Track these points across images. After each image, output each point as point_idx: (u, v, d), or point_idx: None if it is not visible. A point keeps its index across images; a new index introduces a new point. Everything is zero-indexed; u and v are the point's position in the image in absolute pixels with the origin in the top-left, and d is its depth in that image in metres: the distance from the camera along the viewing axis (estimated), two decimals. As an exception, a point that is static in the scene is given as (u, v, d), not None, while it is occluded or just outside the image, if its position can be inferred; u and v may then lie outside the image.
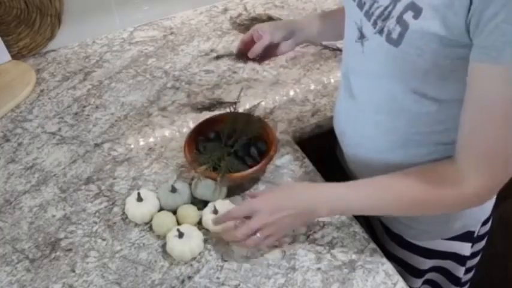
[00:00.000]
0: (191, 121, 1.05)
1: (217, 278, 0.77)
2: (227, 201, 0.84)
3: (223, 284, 0.77)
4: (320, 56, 1.22)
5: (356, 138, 0.84)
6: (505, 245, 1.31)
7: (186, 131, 1.02)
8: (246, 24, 1.34)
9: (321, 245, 0.81)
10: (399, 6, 0.63)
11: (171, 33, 1.33)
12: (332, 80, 1.15)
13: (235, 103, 1.06)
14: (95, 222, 0.87)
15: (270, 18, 1.34)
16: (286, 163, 0.95)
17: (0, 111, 1.10)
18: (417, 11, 0.61)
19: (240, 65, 1.21)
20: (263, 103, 1.08)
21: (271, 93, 1.11)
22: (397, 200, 0.71)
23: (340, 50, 1.22)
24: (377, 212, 0.78)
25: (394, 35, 0.63)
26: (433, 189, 0.68)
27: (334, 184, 0.75)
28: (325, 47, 1.24)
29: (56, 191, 0.93)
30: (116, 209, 0.88)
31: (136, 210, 0.84)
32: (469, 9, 0.55)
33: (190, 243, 0.79)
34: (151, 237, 0.83)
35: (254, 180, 0.91)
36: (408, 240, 0.90)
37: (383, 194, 0.72)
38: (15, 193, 0.93)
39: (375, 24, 0.67)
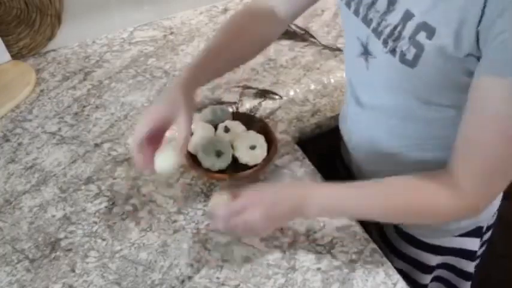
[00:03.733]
0: (191, 121, 1.05)
1: (217, 278, 0.77)
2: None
3: (223, 284, 0.77)
4: (320, 56, 1.22)
5: (365, 142, 0.83)
6: (505, 246, 1.31)
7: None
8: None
9: (321, 245, 0.81)
10: (410, 27, 0.62)
11: (171, 33, 1.33)
12: (332, 80, 1.15)
13: (235, 103, 1.07)
14: (95, 222, 0.87)
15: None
16: (286, 163, 0.95)
17: (0, 111, 1.10)
18: (430, 31, 0.60)
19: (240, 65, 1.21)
20: (263, 103, 1.08)
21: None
22: (389, 207, 0.70)
23: (340, 50, 1.23)
24: (366, 217, 0.76)
25: (409, 56, 0.62)
26: (428, 199, 0.67)
27: (326, 184, 0.74)
28: (325, 47, 1.24)
29: (56, 191, 0.93)
30: (115, 209, 0.88)
31: None
32: (479, 25, 0.55)
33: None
34: (152, 237, 0.83)
35: (254, 180, 0.91)
36: (418, 238, 0.90)
37: (375, 199, 0.70)
38: (15, 193, 0.93)
39: (385, 43, 0.65)
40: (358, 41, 0.72)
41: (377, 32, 0.67)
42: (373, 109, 0.78)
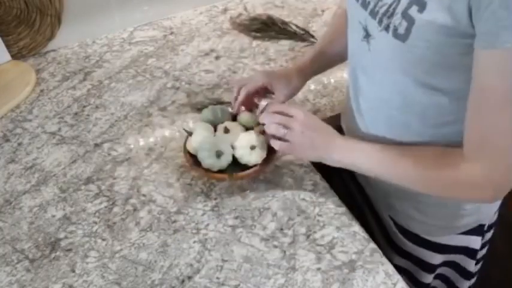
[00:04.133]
0: (191, 121, 1.05)
1: (217, 278, 0.77)
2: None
3: (223, 284, 0.77)
4: (320, 56, 1.22)
5: (367, 137, 0.84)
6: (506, 245, 1.31)
7: (186, 131, 1.02)
8: (246, 24, 1.34)
9: (321, 245, 0.81)
10: (403, 2, 0.64)
11: (171, 33, 1.33)
12: (332, 80, 1.15)
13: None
14: (95, 222, 0.87)
15: (269, 18, 1.34)
16: (286, 163, 0.95)
17: (0, 111, 1.10)
18: (422, 5, 0.61)
19: (240, 64, 1.21)
20: (263, 103, 1.08)
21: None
22: (402, 168, 0.73)
23: (340, 50, 1.22)
24: (379, 174, 0.78)
25: (401, 30, 0.64)
26: (434, 166, 0.70)
27: (354, 139, 0.80)
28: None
29: (56, 191, 0.93)
30: (116, 209, 0.88)
31: None
32: None
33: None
34: (152, 237, 0.84)
35: (255, 180, 0.91)
36: (420, 236, 0.90)
37: (391, 163, 0.74)
38: (15, 193, 0.93)
39: (380, 22, 0.67)
40: (360, 25, 0.74)
41: (373, 13, 0.69)
42: (373, 100, 0.79)
